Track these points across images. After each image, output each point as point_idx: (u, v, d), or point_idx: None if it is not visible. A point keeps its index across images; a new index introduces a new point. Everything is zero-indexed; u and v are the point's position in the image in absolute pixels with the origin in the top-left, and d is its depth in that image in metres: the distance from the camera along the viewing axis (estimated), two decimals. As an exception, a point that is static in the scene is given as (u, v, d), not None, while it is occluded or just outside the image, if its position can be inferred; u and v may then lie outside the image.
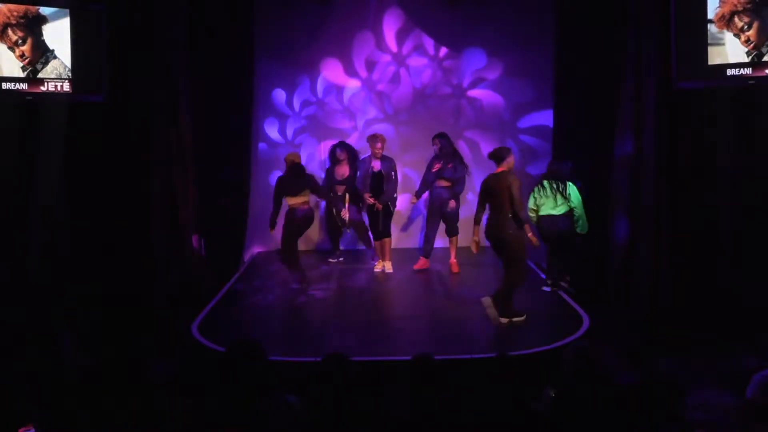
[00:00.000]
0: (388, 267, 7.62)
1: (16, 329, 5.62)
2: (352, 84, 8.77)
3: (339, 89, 8.78)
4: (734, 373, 4.22)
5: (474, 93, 8.75)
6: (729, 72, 6.10)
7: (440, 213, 7.53)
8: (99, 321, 6.04)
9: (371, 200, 7.39)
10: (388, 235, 7.58)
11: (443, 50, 8.69)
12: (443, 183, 7.47)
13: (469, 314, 6.00)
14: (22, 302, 6.14)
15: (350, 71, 8.74)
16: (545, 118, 8.28)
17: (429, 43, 8.70)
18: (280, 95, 8.76)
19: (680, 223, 6.66)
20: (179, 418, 3.11)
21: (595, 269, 7.32)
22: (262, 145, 8.75)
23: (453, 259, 7.65)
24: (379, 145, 7.37)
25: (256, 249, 8.76)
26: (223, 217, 7.93)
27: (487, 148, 8.72)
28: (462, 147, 8.81)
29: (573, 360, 3.23)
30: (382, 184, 7.42)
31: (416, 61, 8.74)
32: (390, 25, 8.68)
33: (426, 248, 7.75)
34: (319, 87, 8.77)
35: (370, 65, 8.74)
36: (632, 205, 7.06)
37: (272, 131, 8.82)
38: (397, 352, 4.95)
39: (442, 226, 7.67)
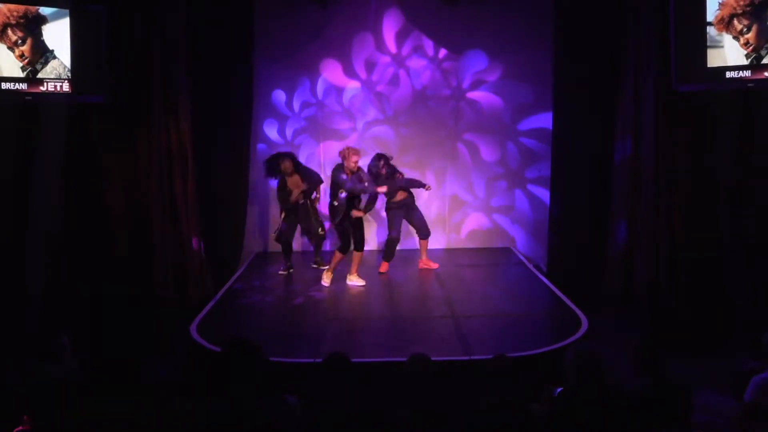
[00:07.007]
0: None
1: (14, 330, 5.62)
2: (352, 85, 8.76)
3: (338, 90, 8.77)
4: (734, 375, 4.23)
5: (473, 95, 8.74)
6: (728, 74, 6.11)
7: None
8: (99, 321, 6.05)
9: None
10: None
11: (442, 51, 8.68)
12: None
13: (468, 315, 6.00)
14: (20, 302, 6.14)
15: (349, 72, 8.73)
16: (545, 120, 8.28)
17: (428, 44, 8.69)
18: (280, 96, 8.76)
19: (680, 224, 6.67)
20: (179, 418, 3.10)
21: (596, 270, 7.34)
22: (261, 146, 8.74)
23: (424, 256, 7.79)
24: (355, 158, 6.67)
25: (256, 249, 8.76)
26: (223, 217, 7.92)
27: (485, 149, 8.80)
28: (461, 149, 8.85)
29: (574, 360, 3.23)
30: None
31: (416, 63, 8.73)
32: (389, 27, 8.68)
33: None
34: (319, 88, 8.76)
35: (370, 66, 8.73)
36: (632, 205, 7.08)
37: (272, 132, 8.81)
38: (396, 353, 4.94)
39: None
